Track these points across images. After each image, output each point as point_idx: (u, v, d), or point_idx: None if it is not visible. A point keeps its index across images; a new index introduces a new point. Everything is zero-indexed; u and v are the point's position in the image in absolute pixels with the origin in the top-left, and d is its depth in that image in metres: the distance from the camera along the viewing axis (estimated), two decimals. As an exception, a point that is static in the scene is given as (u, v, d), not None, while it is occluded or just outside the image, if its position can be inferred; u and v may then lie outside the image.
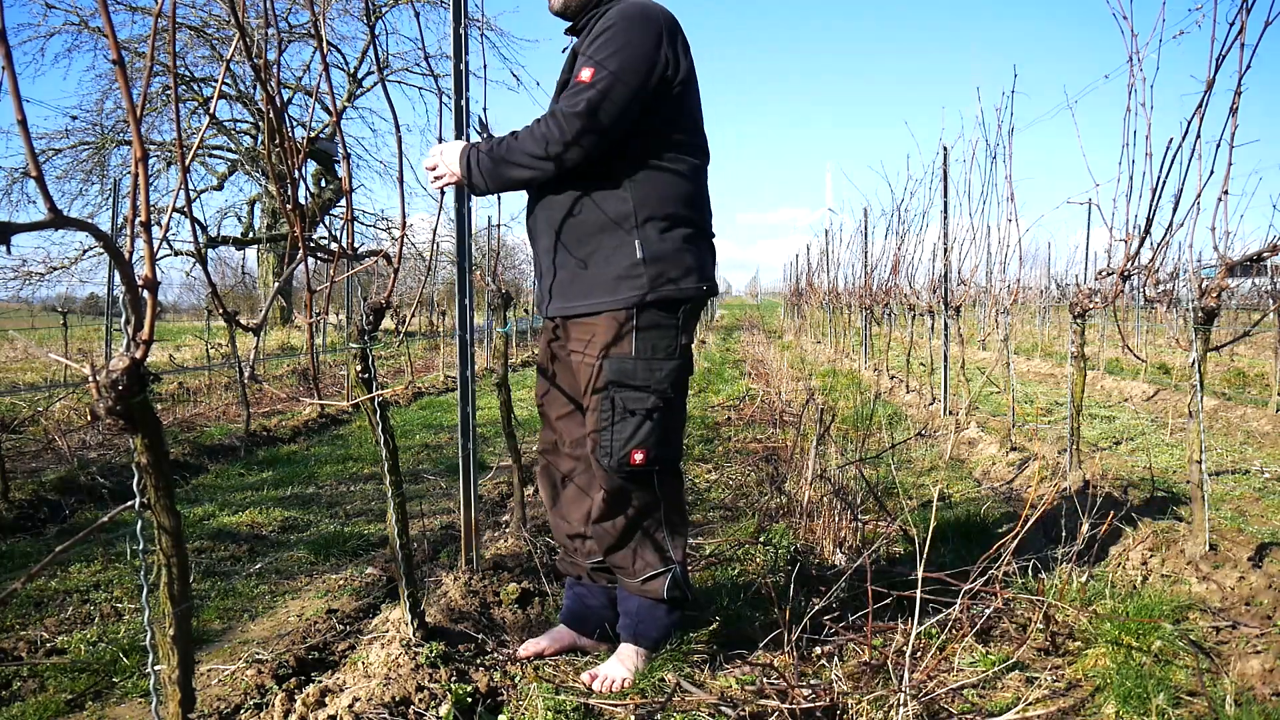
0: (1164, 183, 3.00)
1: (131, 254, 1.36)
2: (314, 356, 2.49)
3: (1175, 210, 2.99)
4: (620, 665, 2.24)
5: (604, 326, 2.14)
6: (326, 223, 19.23)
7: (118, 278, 1.29)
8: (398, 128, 2.21)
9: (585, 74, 2.06)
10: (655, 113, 2.14)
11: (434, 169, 2.28)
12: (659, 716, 2.03)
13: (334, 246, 1.92)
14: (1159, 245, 3.23)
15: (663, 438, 2.17)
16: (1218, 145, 2.77)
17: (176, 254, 19.26)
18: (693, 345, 2.28)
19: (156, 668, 1.45)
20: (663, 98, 2.13)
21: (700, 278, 2.19)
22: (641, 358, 2.12)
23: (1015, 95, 4.87)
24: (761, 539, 3.32)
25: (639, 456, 2.13)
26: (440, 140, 2.36)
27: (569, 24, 2.30)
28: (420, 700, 1.99)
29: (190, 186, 3.57)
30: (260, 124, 18.28)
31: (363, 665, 2.14)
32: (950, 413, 6.45)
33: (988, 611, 2.48)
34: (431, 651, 2.15)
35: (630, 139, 2.13)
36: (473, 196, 2.65)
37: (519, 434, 3.36)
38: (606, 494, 2.21)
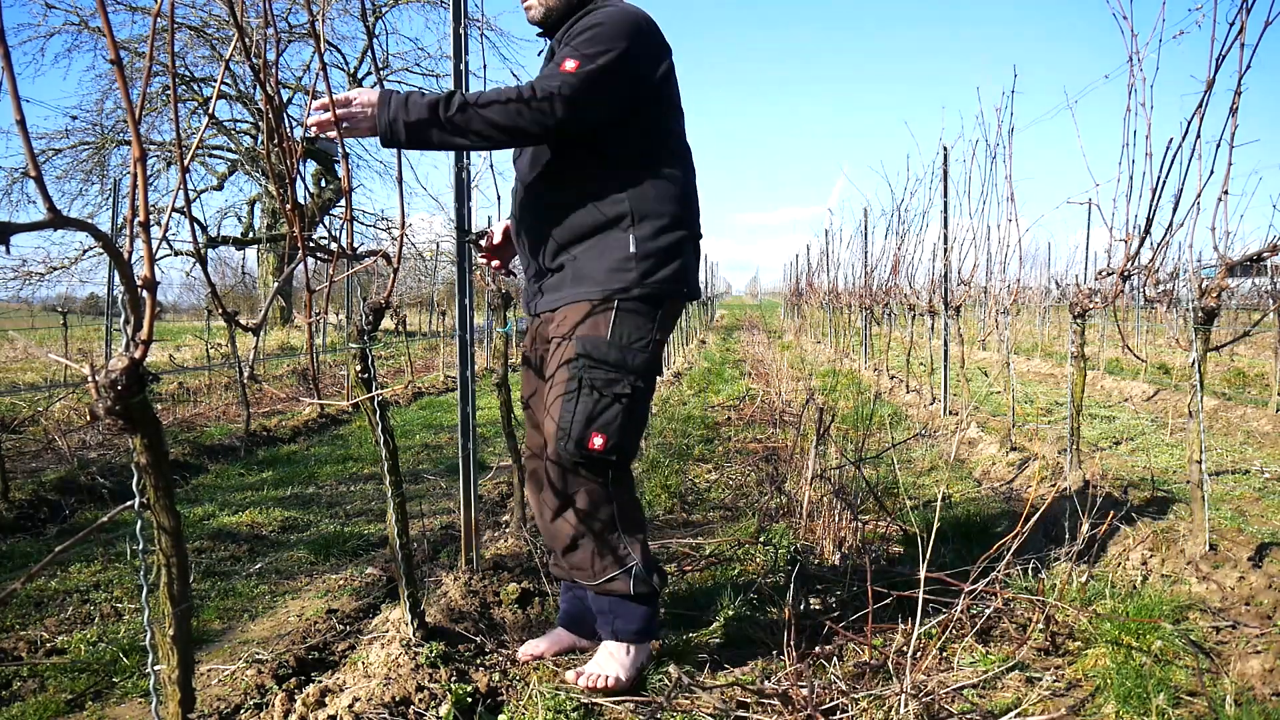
0: (1164, 183, 3.00)
1: (131, 254, 1.36)
2: (314, 356, 2.49)
3: (1175, 210, 2.99)
4: (608, 661, 2.18)
5: (584, 310, 2.13)
6: (326, 223, 19.22)
7: (117, 278, 1.29)
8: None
9: (569, 64, 2.01)
10: (644, 114, 2.15)
11: (341, 112, 1.92)
12: (659, 716, 2.03)
13: (334, 246, 1.91)
14: (1159, 245, 3.23)
15: (626, 427, 2.10)
16: (1218, 145, 2.77)
17: (176, 254, 19.25)
18: (664, 348, 2.27)
19: (156, 668, 1.45)
20: (650, 100, 2.16)
21: (683, 281, 2.20)
22: (616, 343, 2.09)
23: (1015, 95, 4.87)
24: (761, 539, 3.32)
25: (599, 441, 2.05)
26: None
27: (546, 31, 2.28)
28: (420, 700, 1.99)
29: (190, 186, 3.57)
30: (260, 124, 18.28)
31: (363, 665, 2.14)
32: (950, 413, 6.45)
33: (988, 611, 2.48)
34: (431, 651, 2.15)
35: (624, 141, 2.14)
36: (472, 196, 2.65)
37: (519, 434, 3.36)
38: (555, 484, 2.12)
